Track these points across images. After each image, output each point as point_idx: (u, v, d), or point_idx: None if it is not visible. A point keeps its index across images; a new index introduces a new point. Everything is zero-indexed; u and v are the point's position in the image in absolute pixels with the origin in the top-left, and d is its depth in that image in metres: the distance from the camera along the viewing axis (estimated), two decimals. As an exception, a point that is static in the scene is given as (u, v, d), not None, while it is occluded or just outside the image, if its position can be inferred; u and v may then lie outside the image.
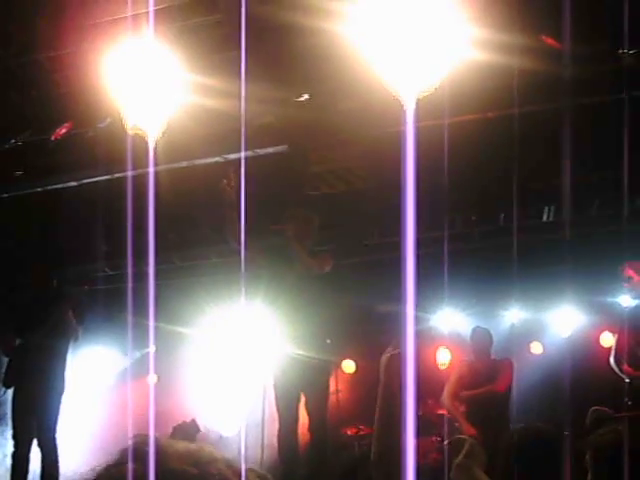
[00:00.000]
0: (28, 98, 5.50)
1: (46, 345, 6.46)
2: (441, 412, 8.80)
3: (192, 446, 1.16)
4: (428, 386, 8.53)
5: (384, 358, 3.13)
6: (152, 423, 1.05)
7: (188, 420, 8.91)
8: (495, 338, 8.40)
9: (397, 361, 3.11)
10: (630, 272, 6.43)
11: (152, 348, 8.93)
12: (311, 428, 5.77)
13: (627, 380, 6.27)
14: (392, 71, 2.91)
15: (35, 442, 6.48)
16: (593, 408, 6.20)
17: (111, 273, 9.36)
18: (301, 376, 5.72)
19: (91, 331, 7.78)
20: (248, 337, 6.02)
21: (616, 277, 7.01)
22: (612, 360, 6.44)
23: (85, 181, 6.89)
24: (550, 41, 4.70)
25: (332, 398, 8.90)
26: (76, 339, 6.76)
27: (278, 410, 5.85)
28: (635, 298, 6.46)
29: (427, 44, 2.99)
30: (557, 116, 4.86)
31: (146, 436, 1.13)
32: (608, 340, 8.92)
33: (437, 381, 9.45)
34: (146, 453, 1.07)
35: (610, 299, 8.38)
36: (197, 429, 8.78)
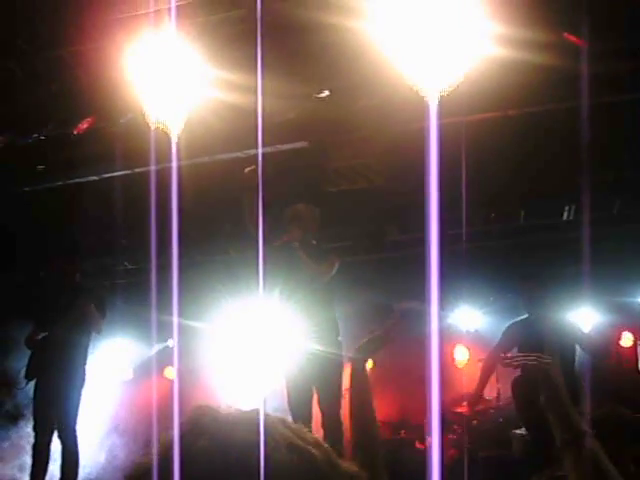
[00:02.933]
0: (50, 93, 5.54)
1: (68, 338, 6.52)
2: (459, 410, 8.80)
3: (248, 411, 1.11)
4: (446, 384, 8.51)
5: (357, 360, 3.11)
6: (177, 412, 1.05)
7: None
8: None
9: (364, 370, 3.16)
10: None
11: (173, 341, 9.02)
12: (324, 424, 5.78)
13: None
14: (413, 68, 2.92)
15: (55, 434, 6.54)
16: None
17: (130, 267, 9.44)
18: (313, 372, 5.74)
19: (112, 324, 7.84)
20: (263, 332, 6.04)
21: (637, 277, 6.97)
22: None
23: (106, 175, 6.94)
24: (572, 38, 4.68)
25: (346, 394, 8.90)
26: (98, 332, 6.81)
27: (290, 406, 5.87)
28: None
29: (448, 41, 2.99)
30: (578, 114, 4.83)
31: (207, 407, 1.09)
32: (628, 340, 8.89)
33: (454, 379, 9.45)
34: (208, 425, 1.03)
35: (630, 299, 8.34)
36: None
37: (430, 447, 1.42)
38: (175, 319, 2.28)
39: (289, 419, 1.11)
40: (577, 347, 6.62)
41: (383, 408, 9.74)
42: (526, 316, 6.96)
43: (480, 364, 9.25)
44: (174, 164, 2.93)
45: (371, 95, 5.48)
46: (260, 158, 4.98)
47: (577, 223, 8.21)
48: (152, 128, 3.25)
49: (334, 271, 5.94)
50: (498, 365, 7.04)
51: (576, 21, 4.44)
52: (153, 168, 3.48)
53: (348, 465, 1.10)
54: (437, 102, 2.04)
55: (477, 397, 7.07)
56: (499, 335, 7.16)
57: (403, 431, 9.11)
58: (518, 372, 6.73)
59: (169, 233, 2.36)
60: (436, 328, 1.63)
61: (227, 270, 8.71)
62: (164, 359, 9.92)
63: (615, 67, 5.13)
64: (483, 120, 5.89)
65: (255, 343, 6.73)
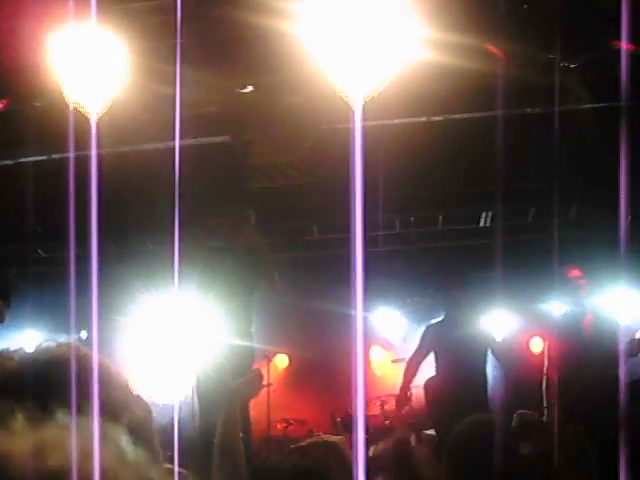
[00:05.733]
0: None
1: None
2: (372, 413, 8.86)
3: None
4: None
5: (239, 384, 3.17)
6: (97, 408, 1.04)
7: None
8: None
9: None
10: (577, 272, 6.52)
11: (84, 333, 8.82)
12: None
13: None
14: (339, 70, 2.91)
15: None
16: (518, 412, 6.31)
17: (44, 256, 9.18)
18: (225, 365, 5.69)
19: (23, 314, 7.60)
20: (179, 325, 5.98)
21: (551, 283, 7.14)
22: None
23: (21, 160, 6.72)
24: (492, 48, 4.77)
25: (263, 392, 8.87)
26: (1, 321, 6.57)
27: (198, 398, 5.81)
28: (578, 299, 6.55)
29: (374, 44, 3.00)
30: (497, 122, 4.93)
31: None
32: (537, 346, 9.12)
33: (369, 379, 9.53)
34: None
35: (543, 304, 8.56)
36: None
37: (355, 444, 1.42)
38: (94, 309, 2.22)
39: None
40: (489, 353, 6.76)
41: (297, 405, 9.76)
42: (442, 318, 7.07)
43: (395, 364, 9.37)
44: (93, 151, 2.84)
45: (296, 93, 5.47)
46: (178, 149, 4.90)
47: (493, 230, 8.39)
48: (70, 109, 3.15)
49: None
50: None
51: (499, 30, 4.53)
52: (72, 154, 3.38)
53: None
54: (361, 105, 2.04)
55: (404, 399, 7.15)
56: (414, 335, 7.24)
57: (315, 429, 9.13)
58: (433, 374, 6.84)
59: (87, 222, 2.29)
60: (361, 328, 1.62)
61: (145, 263, 8.57)
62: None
63: (535, 80, 5.26)
64: (406, 124, 5.95)
65: (170, 336, 6.66)
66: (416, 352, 6.92)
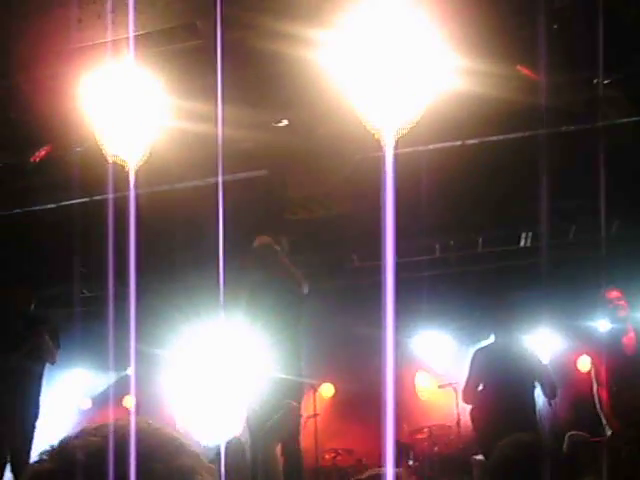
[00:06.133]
0: (7, 120, 5.49)
1: (21, 369, 6.39)
2: (420, 437, 8.80)
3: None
4: (408, 410, 8.49)
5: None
6: (133, 440, 1.05)
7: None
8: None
9: None
10: (616, 293, 6.48)
11: (131, 370, 8.91)
12: (284, 452, 5.74)
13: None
14: (370, 98, 2.95)
15: (8, 468, 6.37)
16: (570, 433, 6.23)
17: (89, 295, 9.32)
18: (273, 398, 5.70)
19: (70, 354, 7.72)
20: (226, 359, 6.01)
21: (594, 301, 7.06)
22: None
23: (63, 203, 6.86)
24: (526, 71, 4.77)
25: (310, 422, 8.87)
26: (52, 362, 6.68)
27: (250, 432, 5.81)
28: (618, 320, 6.50)
29: (405, 72, 3.03)
30: (534, 143, 4.92)
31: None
32: (585, 364, 8.99)
33: (416, 405, 9.46)
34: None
35: (588, 323, 8.45)
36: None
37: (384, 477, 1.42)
38: (132, 347, 2.26)
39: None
40: (537, 375, 6.68)
41: (345, 434, 9.72)
42: (489, 342, 6.99)
43: (441, 389, 9.30)
44: (131, 192, 2.92)
45: (330, 124, 5.52)
46: (221, 186, 4.98)
47: (534, 249, 8.33)
48: (109, 160, 3.23)
49: (306, 288, 5.94)
50: (460, 393, 7.04)
51: (531, 54, 4.54)
52: (111, 196, 3.46)
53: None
54: (394, 135, 2.07)
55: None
56: (461, 361, 7.16)
57: (364, 458, 9.08)
58: (480, 399, 6.76)
59: (127, 261, 2.35)
60: (392, 354, 1.63)
61: (187, 297, 8.65)
62: (123, 388, 9.80)
63: (569, 98, 5.25)
64: (441, 149, 5.96)
65: (216, 369, 6.69)
66: (468, 381, 6.80)
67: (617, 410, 6.20)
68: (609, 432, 6.21)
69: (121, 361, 8.71)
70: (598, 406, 6.40)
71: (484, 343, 7.21)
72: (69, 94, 4.47)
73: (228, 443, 6.42)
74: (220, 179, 4.27)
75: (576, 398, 8.09)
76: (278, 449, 5.77)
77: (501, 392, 6.44)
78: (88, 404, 10.48)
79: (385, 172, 1.81)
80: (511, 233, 8.52)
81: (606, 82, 5.13)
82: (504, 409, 6.27)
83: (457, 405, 8.72)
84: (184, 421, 9.71)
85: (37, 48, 4.71)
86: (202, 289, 7.88)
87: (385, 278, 1.66)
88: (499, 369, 6.51)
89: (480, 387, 6.67)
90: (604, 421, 6.35)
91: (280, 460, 5.66)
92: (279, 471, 3.07)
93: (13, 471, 6.35)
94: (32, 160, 5.75)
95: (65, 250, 7.17)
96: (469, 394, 6.76)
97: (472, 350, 7.17)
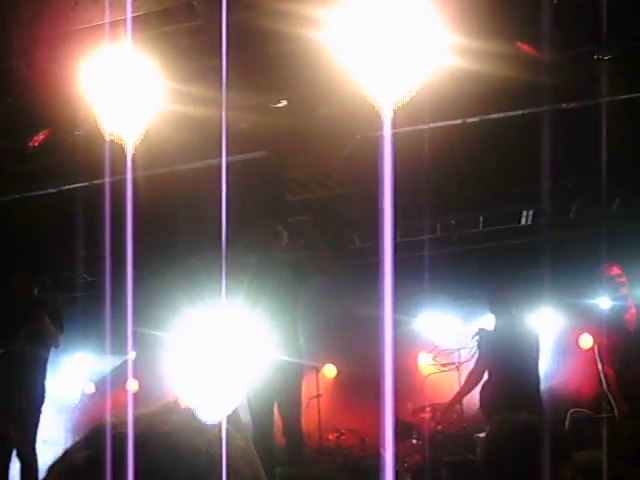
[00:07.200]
0: (6, 105, 5.47)
1: (25, 353, 6.41)
2: (424, 416, 8.83)
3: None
4: (410, 390, 8.52)
5: None
6: (131, 430, 1.04)
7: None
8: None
9: None
10: (616, 270, 6.49)
11: (132, 354, 8.93)
12: (285, 432, 5.76)
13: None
14: (370, 77, 2.93)
15: (14, 453, 6.41)
16: (572, 410, 6.26)
17: (90, 279, 9.33)
18: (274, 380, 5.72)
19: (73, 338, 7.73)
20: (226, 341, 6.02)
21: (595, 279, 7.07)
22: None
23: (64, 187, 6.85)
24: (526, 48, 4.75)
25: (313, 403, 8.91)
26: (56, 346, 6.70)
27: (251, 413, 5.85)
28: (619, 297, 6.52)
29: (405, 51, 3.01)
30: (534, 121, 4.90)
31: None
32: (587, 342, 9.01)
33: (419, 385, 9.50)
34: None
35: (589, 301, 8.46)
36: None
37: (383, 457, 1.41)
38: (130, 331, 2.25)
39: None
40: (540, 352, 6.69)
41: (348, 414, 9.76)
42: (494, 321, 7.01)
43: (444, 369, 9.33)
44: (129, 175, 2.90)
45: (329, 104, 5.50)
46: (224, 166, 4.97)
47: (535, 228, 8.32)
48: (107, 140, 3.21)
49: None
50: (462, 371, 7.06)
51: (530, 31, 4.51)
52: (108, 180, 3.45)
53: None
54: (393, 111, 2.05)
55: (453, 405, 7.14)
56: (464, 340, 7.16)
57: (367, 437, 9.12)
58: (485, 378, 6.78)
59: (126, 245, 2.34)
60: (390, 334, 1.62)
61: (189, 279, 8.66)
62: (126, 372, 9.82)
63: (569, 75, 5.22)
64: (442, 128, 5.94)
65: (218, 351, 6.70)
66: (477, 364, 6.80)
67: (623, 386, 6.22)
68: (614, 410, 6.23)
69: (124, 345, 8.73)
70: (605, 386, 6.41)
71: (486, 322, 7.22)
72: (67, 77, 4.45)
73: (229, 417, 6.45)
74: (224, 160, 4.26)
75: (578, 375, 8.12)
76: (280, 428, 5.81)
77: (505, 368, 6.46)
78: (92, 388, 10.52)
79: (382, 150, 1.80)
80: (512, 211, 8.50)
81: (607, 58, 5.10)
82: (510, 388, 6.29)
83: (460, 384, 8.75)
84: (187, 402, 9.74)
85: (34, 31, 4.68)
86: (204, 272, 7.89)
87: (382, 258, 1.65)
88: (502, 345, 6.53)
89: (486, 367, 6.69)
90: (612, 400, 6.37)
91: (278, 421, 5.71)
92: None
93: (19, 455, 6.39)
94: (31, 144, 5.73)
95: (66, 234, 7.17)
96: (477, 374, 6.77)
97: (474, 329, 7.19)
